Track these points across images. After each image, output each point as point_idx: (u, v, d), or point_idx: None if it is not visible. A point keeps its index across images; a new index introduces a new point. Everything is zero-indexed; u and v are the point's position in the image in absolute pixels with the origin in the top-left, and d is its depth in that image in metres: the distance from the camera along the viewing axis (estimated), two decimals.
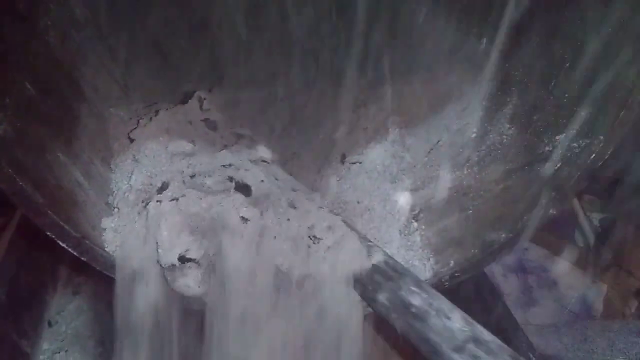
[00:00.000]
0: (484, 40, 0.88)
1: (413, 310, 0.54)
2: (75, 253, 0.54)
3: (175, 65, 0.98)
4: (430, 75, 0.97)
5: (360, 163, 0.92)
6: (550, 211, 0.62)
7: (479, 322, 0.96)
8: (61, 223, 0.53)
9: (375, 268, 0.59)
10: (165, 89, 0.91)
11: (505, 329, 0.93)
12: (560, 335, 1.35)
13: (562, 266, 1.59)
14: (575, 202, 1.58)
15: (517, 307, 1.48)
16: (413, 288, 0.56)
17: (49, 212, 0.52)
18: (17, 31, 0.61)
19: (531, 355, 0.90)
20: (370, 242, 0.65)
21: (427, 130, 0.89)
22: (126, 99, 0.83)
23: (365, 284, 0.59)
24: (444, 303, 0.55)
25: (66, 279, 1.08)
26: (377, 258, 0.60)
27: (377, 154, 0.93)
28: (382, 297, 0.57)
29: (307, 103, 1.17)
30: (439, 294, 0.56)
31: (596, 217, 1.65)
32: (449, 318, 0.53)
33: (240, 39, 1.13)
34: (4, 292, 0.91)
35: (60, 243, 0.53)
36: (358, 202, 0.82)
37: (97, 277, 1.01)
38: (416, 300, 0.55)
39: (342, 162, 0.94)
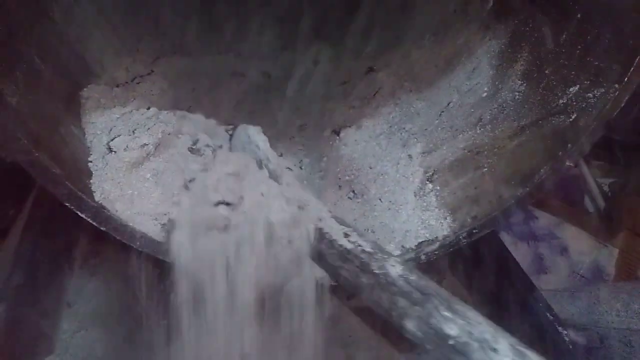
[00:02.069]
0: None
1: (451, 342, 0.46)
2: (94, 223, 0.54)
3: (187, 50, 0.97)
4: (438, 37, 0.96)
5: (369, 128, 0.92)
6: (567, 163, 0.61)
7: (497, 286, 0.96)
8: (79, 193, 0.53)
9: (397, 290, 0.51)
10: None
11: (521, 290, 0.93)
12: (574, 300, 1.36)
13: (573, 232, 1.60)
14: (585, 167, 1.58)
15: (529, 274, 1.49)
16: (446, 313, 0.47)
17: (66, 182, 0.52)
18: (23, 6, 0.61)
19: (549, 315, 0.91)
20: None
21: (437, 93, 0.88)
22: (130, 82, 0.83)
23: (388, 309, 0.51)
24: (486, 330, 0.46)
25: (82, 261, 1.09)
26: (395, 272, 0.52)
27: (386, 119, 0.92)
28: (410, 325, 0.49)
29: (313, 72, 1.17)
30: (477, 316, 0.47)
31: (605, 182, 1.65)
32: (494, 350, 0.44)
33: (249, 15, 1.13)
34: (23, 276, 0.92)
35: (79, 213, 0.53)
36: (370, 168, 0.82)
37: (113, 258, 1.03)
38: (452, 329, 0.46)
39: (352, 128, 0.94)
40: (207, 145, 0.63)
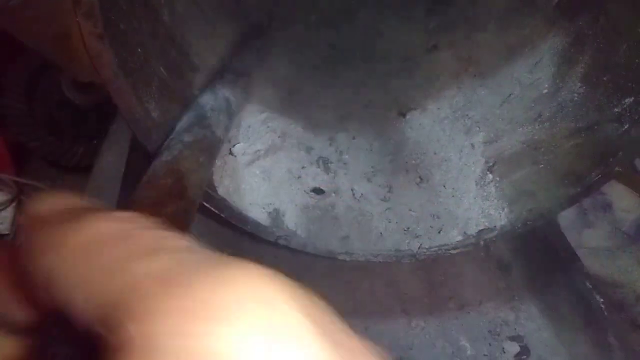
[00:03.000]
0: None
1: None
2: (216, 211, 0.67)
3: None
4: (503, 24, 1.01)
5: (434, 112, 1.00)
6: (617, 169, 0.70)
7: (535, 248, 1.04)
8: (206, 188, 0.65)
9: None
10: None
11: (563, 257, 1.01)
12: (614, 258, 1.42)
13: (619, 190, 1.63)
14: None
15: (572, 229, 1.54)
16: None
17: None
18: (146, 18, 0.71)
19: (587, 283, 1.00)
20: None
21: (500, 82, 0.94)
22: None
23: None
24: None
25: None
26: None
27: (450, 103, 1.00)
28: None
29: (377, 44, 1.23)
30: None
31: None
32: None
33: None
34: None
35: (205, 204, 0.66)
36: (435, 153, 0.91)
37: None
38: None
39: (417, 110, 1.02)
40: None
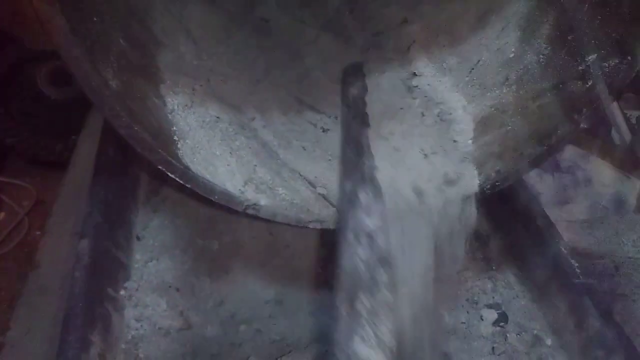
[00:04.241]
0: None
1: None
2: (181, 182, 0.66)
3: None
4: None
5: (411, 79, 1.00)
6: (582, 125, 0.70)
7: (516, 221, 1.05)
8: (169, 158, 0.64)
9: None
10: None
11: (539, 226, 1.02)
12: (593, 230, 1.43)
13: (598, 164, 1.63)
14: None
15: (552, 204, 1.54)
16: None
17: (159, 150, 0.63)
18: None
19: (563, 249, 1.00)
20: None
21: (469, 50, 0.94)
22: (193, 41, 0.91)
23: None
24: None
25: (145, 200, 1.21)
26: None
27: (422, 72, 1.00)
28: None
29: (348, 23, 1.23)
30: None
31: (634, 114, 1.67)
32: None
33: None
34: (99, 214, 1.06)
35: (170, 174, 0.65)
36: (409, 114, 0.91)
37: (172, 198, 1.16)
38: None
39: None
40: None
